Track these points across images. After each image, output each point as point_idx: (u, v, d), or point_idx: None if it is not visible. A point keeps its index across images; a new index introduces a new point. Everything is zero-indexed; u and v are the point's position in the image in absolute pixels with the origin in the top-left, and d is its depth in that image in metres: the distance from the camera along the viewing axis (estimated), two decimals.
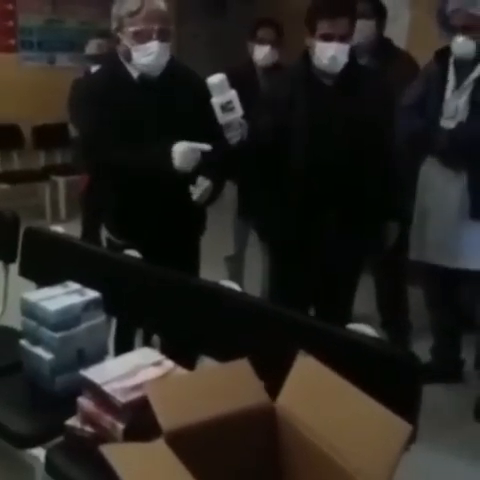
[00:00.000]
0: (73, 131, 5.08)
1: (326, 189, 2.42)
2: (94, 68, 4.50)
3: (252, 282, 3.50)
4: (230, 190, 3.61)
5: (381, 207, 2.54)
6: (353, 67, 2.45)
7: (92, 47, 4.70)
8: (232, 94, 2.23)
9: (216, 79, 2.23)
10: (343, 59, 2.37)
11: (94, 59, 4.60)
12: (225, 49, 5.60)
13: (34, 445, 1.89)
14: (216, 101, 2.23)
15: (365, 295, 3.49)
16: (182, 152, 2.29)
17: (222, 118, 2.24)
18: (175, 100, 2.41)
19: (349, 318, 2.63)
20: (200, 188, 2.39)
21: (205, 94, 2.25)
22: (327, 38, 2.34)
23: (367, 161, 2.44)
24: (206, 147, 2.29)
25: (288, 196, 2.49)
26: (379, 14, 3.21)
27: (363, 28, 3.15)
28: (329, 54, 2.35)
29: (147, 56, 2.34)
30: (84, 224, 4.83)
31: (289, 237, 2.53)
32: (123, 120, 2.35)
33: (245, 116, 2.28)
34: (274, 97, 2.52)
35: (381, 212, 2.57)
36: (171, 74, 2.42)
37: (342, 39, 2.34)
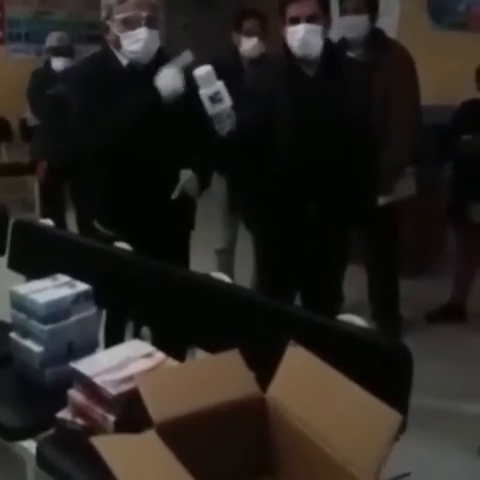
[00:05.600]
0: (32, 120, 5.10)
1: (309, 179, 2.42)
2: (54, 60, 4.57)
3: (243, 275, 3.50)
4: (220, 183, 3.60)
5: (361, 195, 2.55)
6: (334, 56, 2.44)
7: (52, 39, 4.71)
8: (219, 85, 2.24)
9: (203, 71, 2.23)
10: (315, 41, 2.35)
11: (54, 51, 4.63)
12: (215, 40, 5.57)
13: (25, 438, 1.88)
14: (204, 93, 2.23)
15: (356, 287, 3.51)
16: (165, 77, 2.33)
17: (211, 109, 2.24)
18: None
19: (335, 304, 2.65)
20: (180, 181, 2.44)
21: (192, 87, 2.25)
22: (295, 21, 2.34)
23: (350, 151, 2.43)
24: (187, 57, 2.33)
25: (273, 186, 2.49)
26: (372, 8, 3.20)
27: (357, 23, 3.16)
28: (298, 36, 2.33)
29: (136, 43, 2.34)
30: (46, 210, 4.85)
31: (273, 226, 2.55)
32: (110, 106, 2.34)
33: (233, 107, 2.28)
34: (256, 90, 2.51)
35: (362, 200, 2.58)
36: (159, 64, 2.42)
37: (310, 20, 2.32)
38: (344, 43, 3.25)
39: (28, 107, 5.01)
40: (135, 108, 2.34)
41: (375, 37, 3.23)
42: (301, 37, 2.33)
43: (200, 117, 2.28)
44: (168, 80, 2.34)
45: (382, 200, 3.19)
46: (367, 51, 3.19)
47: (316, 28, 2.33)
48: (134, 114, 2.34)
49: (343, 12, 3.18)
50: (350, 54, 3.19)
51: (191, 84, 2.26)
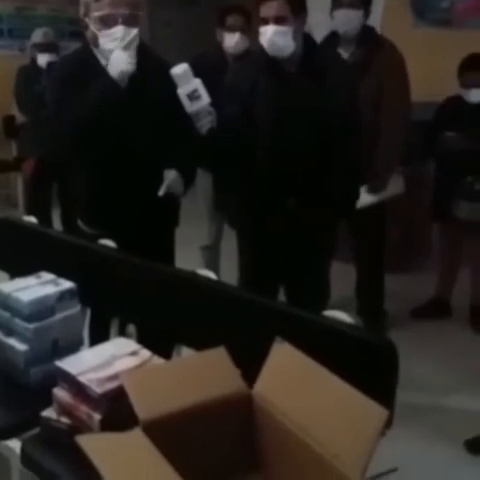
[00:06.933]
0: (20, 117, 5.10)
1: (288, 173, 2.43)
2: (40, 56, 4.58)
3: (228, 272, 3.49)
4: (205, 180, 3.59)
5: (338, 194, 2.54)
6: (314, 52, 2.46)
7: (38, 35, 4.71)
8: (197, 82, 2.24)
9: (180, 69, 2.23)
10: (283, 42, 2.36)
11: (39, 47, 4.64)
12: (198, 37, 5.57)
13: (9, 437, 1.87)
14: (182, 91, 2.24)
15: (341, 283, 3.52)
16: (116, 58, 2.31)
17: (189, 107, 2.25)
18: (144, 86, 2.40)
19: (320, 300, 2.66)
20: (165, 181, 2.43)
21: (174, 84, 2.25)
22: (264, 22, 2.37)
23: (328, 146, 2.44)
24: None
25: (254, 181, 2.50)
26: (366, 4, 3.20)
27: (352, 18, 3.15)
28: (266, 37, 2.36)
29: (113, 41, 2.31)
30: (32, 207, 4.85)
31: (254, 221, 2.57)
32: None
33: (215, 104, 2.28)
34: (237, 85, 2.52)
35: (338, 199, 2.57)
36: (140, 60, 2.40)
37: (278, 21, 2.34)
38: (334, 38, 3.24)
39: (15, 104, 4.99)
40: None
41: (366, 34, 3.22)
42: (268, 38, 2.36)
43: (182, 116, 2.28)
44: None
45: (373, 198, 3.21)
46: (358, 48, 3.19)
47: (284, 29, 2.34)
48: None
49: (338, 6, 3.17)
50: (341, 50, 3.19)
51: (173, 84, 2.25)
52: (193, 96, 2.23)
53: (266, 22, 2.36)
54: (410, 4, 5.16)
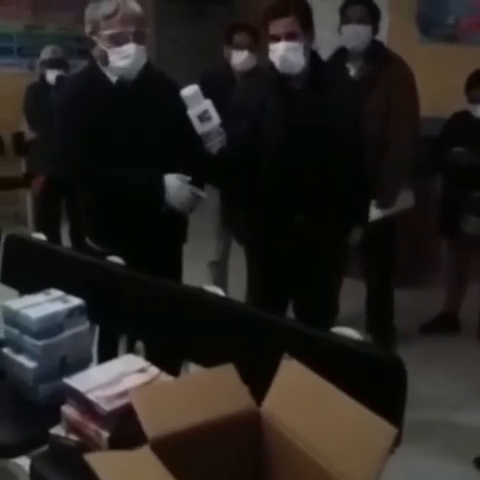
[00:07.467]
0: (29, 134, 5.13)
1: (295, 190, 2.44)
2: (49, 73, 4.64)
3: (237, 287, 3.49)
4: (213, 196, 3.61)
5: (346, 211, 2.55)
6: (320, 69, 2.47)
7: (47, 52, 4.78)
8: (207, 103, 2.25)
9: (190, 91, 2.24)
10: (295, 58, 2.37)
11: (48, 64, 4.70)
12: (205, 54, 5.60)
13: (18, 454, 1.87)
14: (192, 113, 2.25)
15: (350, 299, 3.52)
16: (176, 188, 2.37)
17: (200, 128, 2.26)
18: (150, 106, 2.42)
19: (328, 316, 2.65)
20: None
21: (182, 105, 2.27)
22: (275, 39, 2.37)
23: (335, 165, 2.45)
24: (202, 195, 2.40)
25: (262, 199, 2.51)
26: (374, 19, 3.22)
27: (361, 33, 3.17)
28: (278, 54, 2.37)
29: (124, 59, 2.34)
30: (41, 224, 4.90)
31: (260, 238, 2.58)
32: (98, 123, 2.35)
33: (222, 121, 2.29)
34: (246, 103, 2.54)
35: (346, 216, 2.58)
36: (148, 79, 2.42)
37: (289, 38, 2.35)
38: (342, 54, 3.26)
39: (24, 121, 5.04)
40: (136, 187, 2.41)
41: (375, 49, 3.24)
42: (280, 55, 2.37)
43: (191, 135, 2.29)
44: (176, 199, 2.40)
45: (381, 213, 3.21)
46: (367, 63, 3.20)
47: (296, 45, 2.36)
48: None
49: (346, 21, 3.19)
50: (349, 66, 3.21)
51: (182, 103, 2.26)
52: (204, 117, 2.24)
53: (277, 39, 2.37)
54: (415, 20, 5.19)
